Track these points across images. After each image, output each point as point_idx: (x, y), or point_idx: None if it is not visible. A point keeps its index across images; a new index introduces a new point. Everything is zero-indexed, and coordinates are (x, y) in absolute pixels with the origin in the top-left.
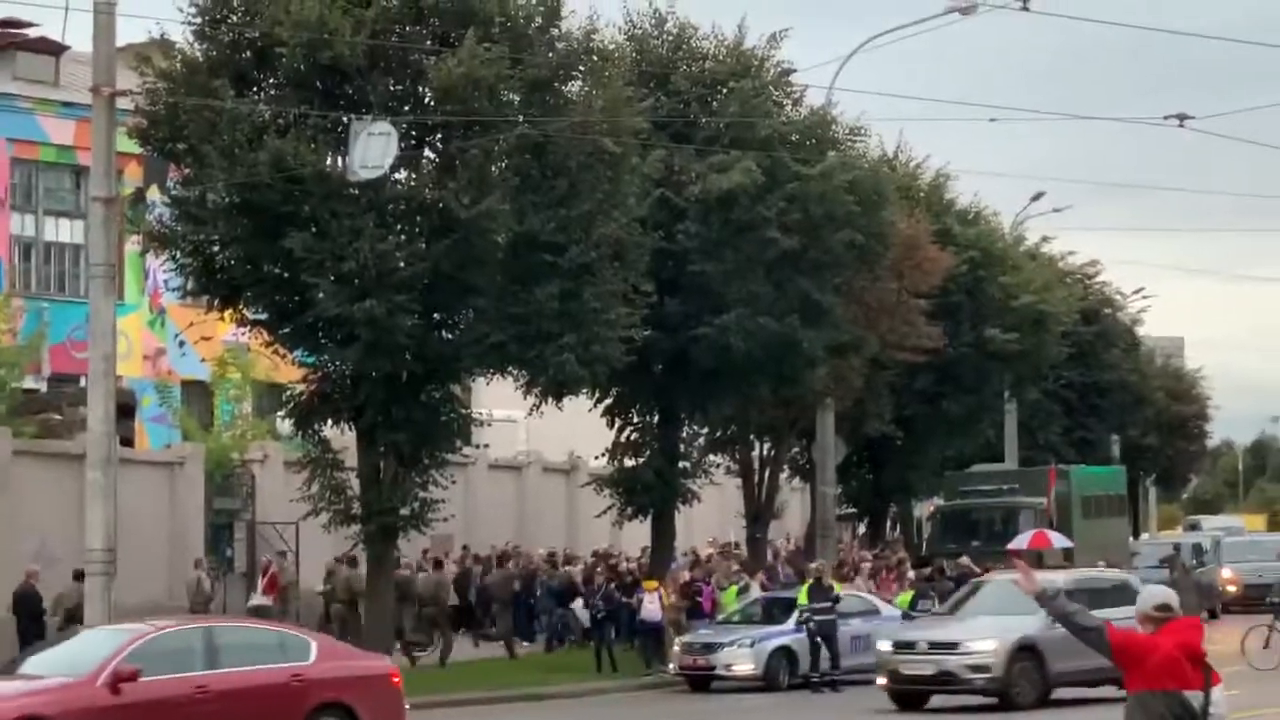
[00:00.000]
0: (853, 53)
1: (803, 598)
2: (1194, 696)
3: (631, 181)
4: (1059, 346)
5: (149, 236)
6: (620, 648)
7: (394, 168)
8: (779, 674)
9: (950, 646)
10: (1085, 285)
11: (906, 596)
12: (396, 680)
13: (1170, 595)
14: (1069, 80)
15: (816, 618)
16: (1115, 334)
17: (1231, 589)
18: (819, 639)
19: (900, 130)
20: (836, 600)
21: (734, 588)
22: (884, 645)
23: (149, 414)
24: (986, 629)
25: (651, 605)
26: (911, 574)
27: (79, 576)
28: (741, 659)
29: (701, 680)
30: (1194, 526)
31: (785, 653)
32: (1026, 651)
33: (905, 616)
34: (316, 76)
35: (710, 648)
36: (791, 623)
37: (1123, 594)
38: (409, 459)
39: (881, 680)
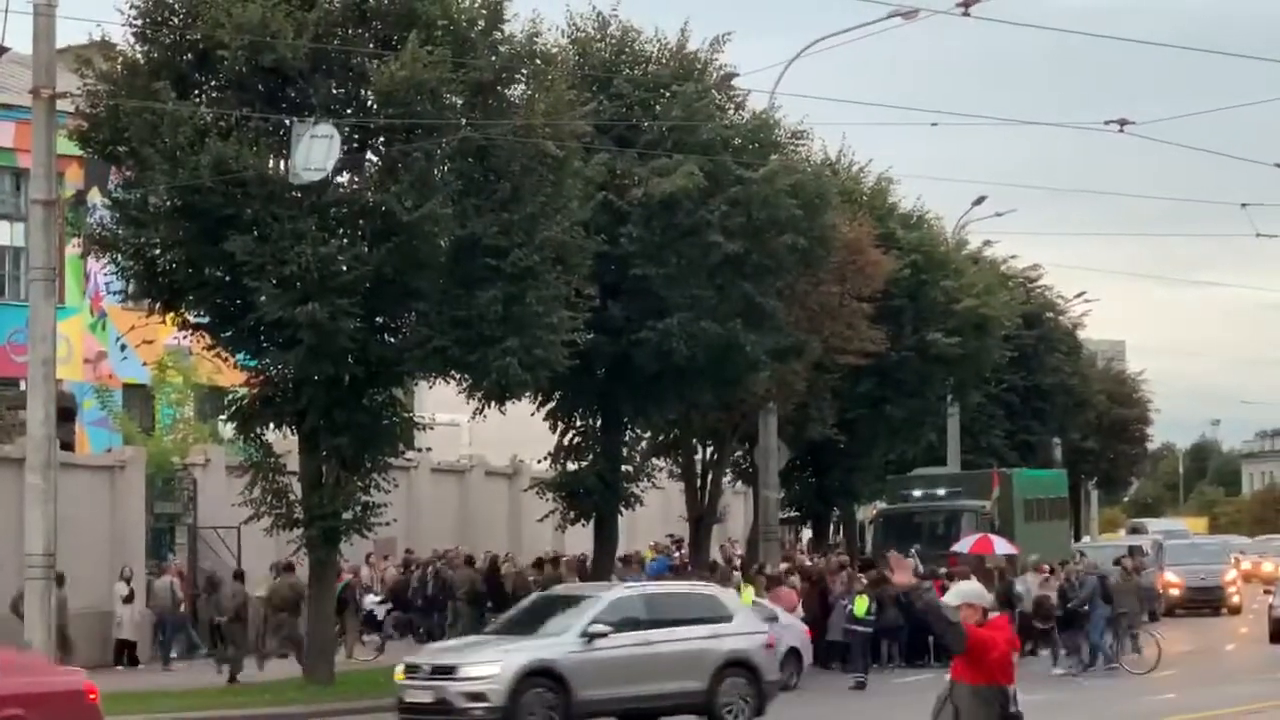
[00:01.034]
0: (795, 57)
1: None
2: (1012, 690)
3: (574, 185)
4: (1001, 350)
5: (90, 240)
6: None
7: (336, 171)
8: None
9: (448, 671)
10: (1027, 289)
11: (863, 602)
12: (93, 697)
13: (983, 592)
14: (1011, 85)
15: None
16: (1057, 338)
17: (1174, 592)
18: None
19: (843, 134)
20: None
21: None
22: (399, 668)
23: (89, 418)
24: (493, 652)
25: None
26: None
27: (239, 576)
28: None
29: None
30: (1137, 530)
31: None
32: (541, 677)
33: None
34: (258, 79)
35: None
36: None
37: (710, 606)
38: (351, 463)
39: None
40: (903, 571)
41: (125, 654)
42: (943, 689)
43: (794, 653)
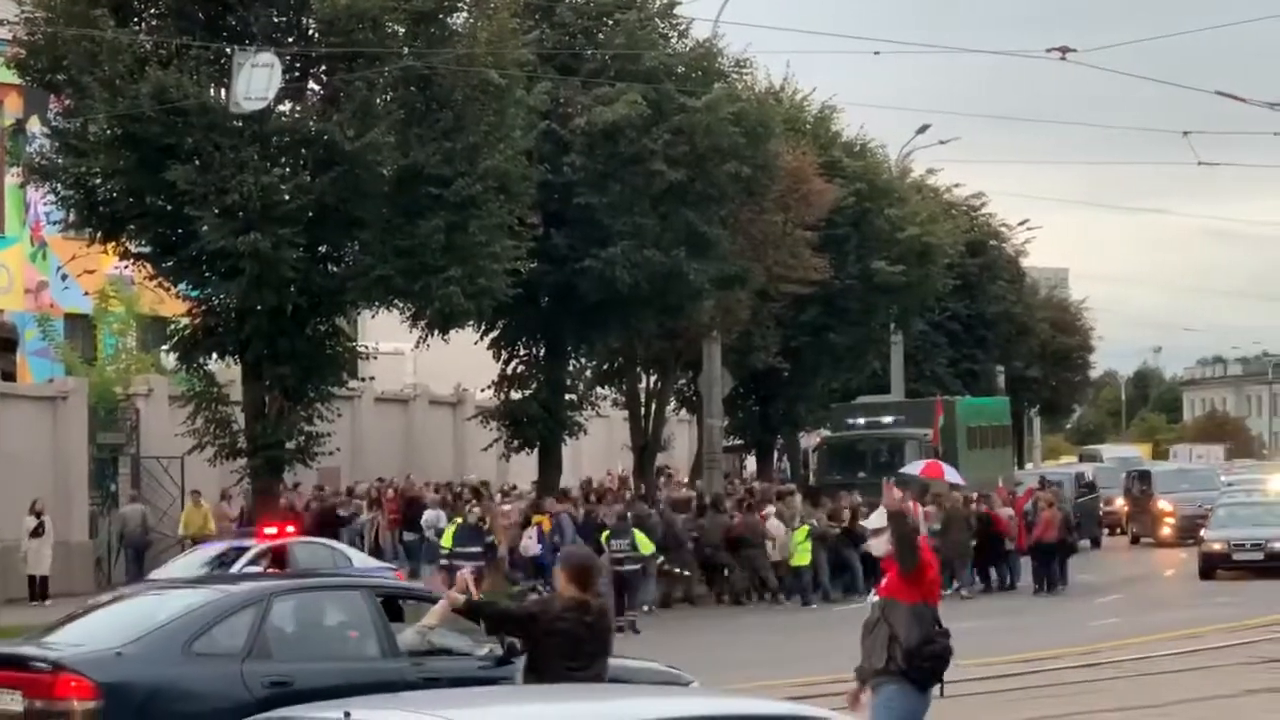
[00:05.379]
0: None
1: (447, 540)
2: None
3: (517, 114)
4: (944, 278)
5: (29, 169)
6: None
7: (278, 100)
8: None
9: None
10: (971, 217)
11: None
12: None
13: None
14: (953, 12)
15: (620, 568)
16: (1000, 266)
17: (1170, 520)
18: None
19: (787, 62)
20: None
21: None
22: None
23: (31, 348)
24: None
25: (530, 540)
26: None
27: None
28: None
29: None
30: (1092, 457)
31: None
32: None
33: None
34: (198, 7)
35: None
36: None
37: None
38: (294, 392)
39: None
40: (891, 495)
41: (38, 589)
42: (872, 613)
43: None
